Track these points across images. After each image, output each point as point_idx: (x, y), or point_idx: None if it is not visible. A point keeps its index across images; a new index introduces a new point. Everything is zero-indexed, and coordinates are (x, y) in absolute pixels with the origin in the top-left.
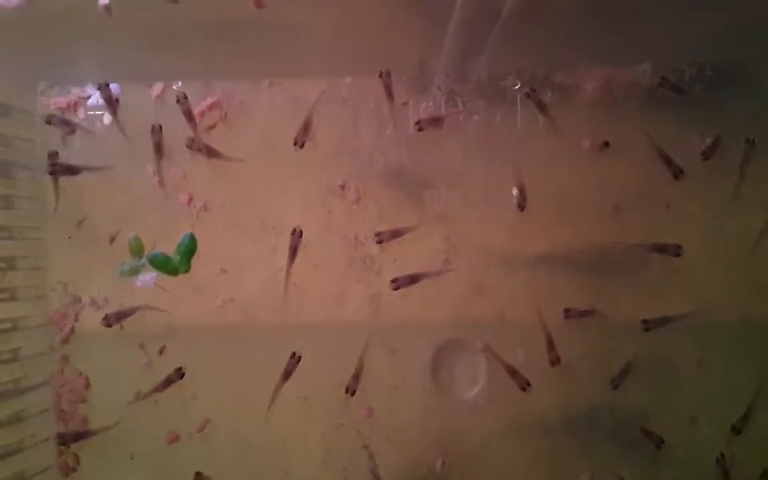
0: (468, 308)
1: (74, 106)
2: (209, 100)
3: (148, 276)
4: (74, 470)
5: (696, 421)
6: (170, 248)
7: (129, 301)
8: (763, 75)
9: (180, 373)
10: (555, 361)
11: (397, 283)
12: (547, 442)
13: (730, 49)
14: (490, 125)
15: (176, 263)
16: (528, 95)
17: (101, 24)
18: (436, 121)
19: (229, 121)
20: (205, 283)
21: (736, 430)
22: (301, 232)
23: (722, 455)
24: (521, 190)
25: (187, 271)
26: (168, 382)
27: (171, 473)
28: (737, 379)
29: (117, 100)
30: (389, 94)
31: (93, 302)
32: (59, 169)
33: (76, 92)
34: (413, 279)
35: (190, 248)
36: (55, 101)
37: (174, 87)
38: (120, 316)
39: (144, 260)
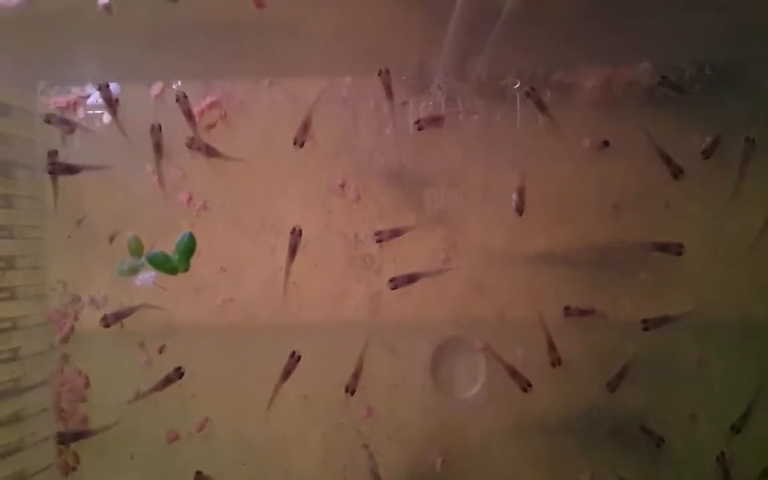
0: (468, 307)
1: (74, 106)
2: (209, 100)
3: (147, 275)
4: (74, 469)
5: (696, 419)
6: (169, 247)
7: (128, 300)
8: (763, 74)
9: (179, 373)
10: (556, 362)
11: (395, 283)
12: (547, 441)
13: (730, 49)
14: (489, 124)
15: (175, 262)
16: (528, 94)
17: (101, 23)
18: (435, 121)
19: (228, 121)
20: (204, 282)
21: (736, 429)
22: (301, 231)
23: (722, 454)
24: (520, 195)
25: (186, 270)
26: (168, 381)
27: (171, 472)
28: (737, 378)
29: (116, 100)
30: (389, 94)
31: (92, 301)
32: (59, 169)
33: (75, 92)
34: (411, 278)
35: (189, 247)
36: (54, 100)
37: (173, 86)
38: (118, 317)
39: (143, 259)
